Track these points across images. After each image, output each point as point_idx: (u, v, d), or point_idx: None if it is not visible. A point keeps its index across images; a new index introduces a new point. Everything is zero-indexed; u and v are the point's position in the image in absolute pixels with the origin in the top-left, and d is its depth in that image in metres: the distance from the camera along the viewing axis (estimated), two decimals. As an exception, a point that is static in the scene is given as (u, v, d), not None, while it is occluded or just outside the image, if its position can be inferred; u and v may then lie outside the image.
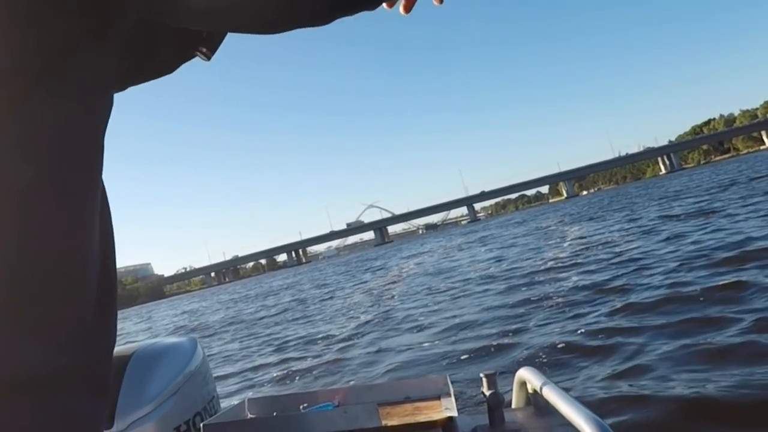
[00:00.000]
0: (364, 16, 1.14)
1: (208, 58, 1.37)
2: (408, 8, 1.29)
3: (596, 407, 4.65)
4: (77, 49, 0.80)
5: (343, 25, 1.17)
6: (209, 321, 27.50)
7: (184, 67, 1.36)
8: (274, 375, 9.77)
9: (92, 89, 0.85)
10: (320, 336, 13.24)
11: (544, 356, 6.94)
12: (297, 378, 9.23)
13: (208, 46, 1.36)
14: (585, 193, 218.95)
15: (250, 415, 1.90)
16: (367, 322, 13.62)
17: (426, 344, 9.12)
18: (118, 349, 2.71)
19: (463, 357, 7.70)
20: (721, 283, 8.49)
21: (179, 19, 0.92)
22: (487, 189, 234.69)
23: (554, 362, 6.67)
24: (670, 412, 4.55)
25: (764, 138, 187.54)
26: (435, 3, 1.33)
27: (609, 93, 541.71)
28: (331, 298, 23.81)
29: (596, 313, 8.86)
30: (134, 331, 36.49)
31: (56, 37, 0.77)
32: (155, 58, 1.34)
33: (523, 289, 13.61)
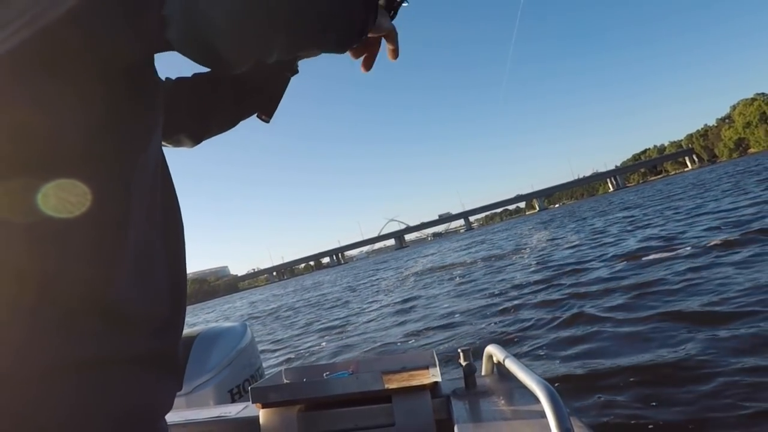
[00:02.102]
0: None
1: (267, 121, 1.36)
2: (367, 67, 1.13)
3: (544, 374, 4.72)
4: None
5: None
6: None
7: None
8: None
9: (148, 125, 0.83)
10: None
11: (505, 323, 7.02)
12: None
13: (266, 111, 1.34)
14: (555, 206, 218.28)
15: (286, 381, 1.89)
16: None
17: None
18: (187, 331, 2.79)
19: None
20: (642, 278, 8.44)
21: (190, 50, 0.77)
22: (478, 205, 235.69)
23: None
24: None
25: (687, 162, 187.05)
26: (392, 59, 1.13)
27: (567, 125, 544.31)
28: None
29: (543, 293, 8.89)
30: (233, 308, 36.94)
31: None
32: (218, 116, 1.33)
33: (492, 275, 13.73)
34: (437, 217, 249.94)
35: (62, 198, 0.67)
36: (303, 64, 1.34)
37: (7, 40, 0.63)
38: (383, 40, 1.09)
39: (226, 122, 1.36)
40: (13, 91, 0.65)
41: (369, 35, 1.03)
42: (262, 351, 10.53)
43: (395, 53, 1.10)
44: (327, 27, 0.83)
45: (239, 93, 1.31)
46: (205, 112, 1.30)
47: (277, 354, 10.63)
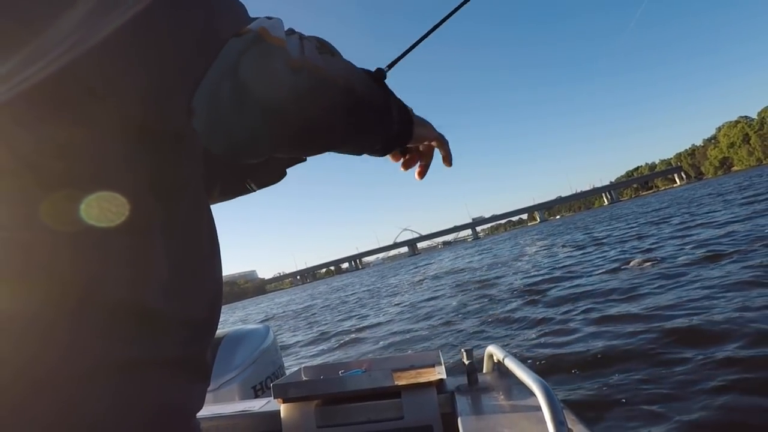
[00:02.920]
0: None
1: (254, 190, 1.30)
2: (420, 175, 1.08)
3: (540, 371, 4.69)
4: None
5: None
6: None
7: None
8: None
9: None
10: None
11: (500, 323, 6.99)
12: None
13: (256, 182, 1.29)
14: (557, 217, 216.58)
15: (304, 378, 1.89)
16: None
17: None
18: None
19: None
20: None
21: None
22: (485, 216, 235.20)
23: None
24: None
25: (676, 179, 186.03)
26: (446, 165, 1.09)
27: (566, 143, 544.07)
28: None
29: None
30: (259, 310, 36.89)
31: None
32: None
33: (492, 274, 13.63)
34: (449, 227, 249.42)
35: (104, 208, 0.67)
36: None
37: (53, 63, 0.64)
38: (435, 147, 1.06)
39: (228, 193, 1.32)
40: (59, 111, 0.66)
41: (413, 145, 1.02)
42: (306, 344, 10.58)
43: (447, 160, 1.07)
44: (343, 142, 0.86)
45: (247, 171, 1.27)
46: (212, 178, 1.29)
47: (320, 344, 10.72)
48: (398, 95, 0.94)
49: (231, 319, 29.96)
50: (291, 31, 0.78)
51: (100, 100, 0.68)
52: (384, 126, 0.89)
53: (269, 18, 0.77)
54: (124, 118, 0.70)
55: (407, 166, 1.08)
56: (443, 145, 1.05)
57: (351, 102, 0.80)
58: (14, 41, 0.66)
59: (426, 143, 1.05)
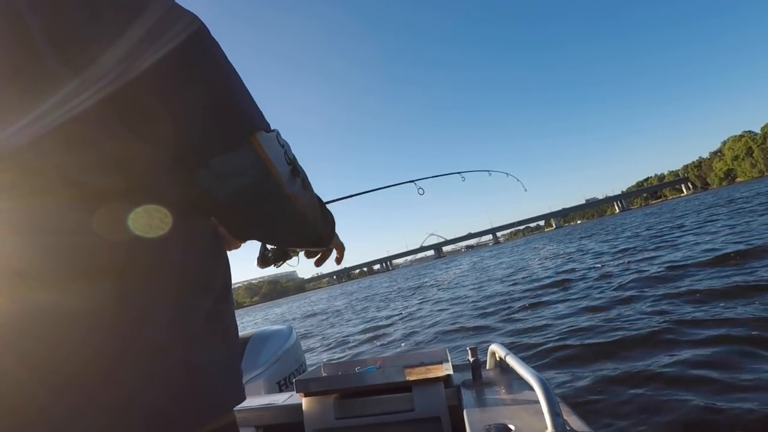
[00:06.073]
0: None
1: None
2: (318, 264, 1.33)
3: (538, 368, 4.62)
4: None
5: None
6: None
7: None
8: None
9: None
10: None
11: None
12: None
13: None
14: (573, 223, 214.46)
15: (324, 374, 1.91)
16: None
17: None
18: (242, 333, 2.84)
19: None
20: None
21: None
22: (504, 223, 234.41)
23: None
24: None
25: (683, 189, 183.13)
26: (336, 264, 1.32)
27: (580, 155, 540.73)
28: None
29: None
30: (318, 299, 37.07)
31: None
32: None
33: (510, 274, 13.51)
34: (472, 231, 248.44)
35: (153, 218, 0.70)
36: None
37: (108, 86, 0.67)
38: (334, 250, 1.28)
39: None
40: (118, 130, 0.68)
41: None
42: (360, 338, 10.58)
43: (338, 261, 1.28)
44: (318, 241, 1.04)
45: None
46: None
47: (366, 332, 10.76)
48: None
49: (300, 311, 29.95)
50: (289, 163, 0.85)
51: (150, 119, 0.69)
52: (318, 239, 1.04)
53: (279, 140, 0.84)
54: (167, 137, 0.71)
55: (318, 263, 1.33)
56: (341, 250, 1.26)
57: (302, 224, 0.91)
58: (70, 70, 0.68)
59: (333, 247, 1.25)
